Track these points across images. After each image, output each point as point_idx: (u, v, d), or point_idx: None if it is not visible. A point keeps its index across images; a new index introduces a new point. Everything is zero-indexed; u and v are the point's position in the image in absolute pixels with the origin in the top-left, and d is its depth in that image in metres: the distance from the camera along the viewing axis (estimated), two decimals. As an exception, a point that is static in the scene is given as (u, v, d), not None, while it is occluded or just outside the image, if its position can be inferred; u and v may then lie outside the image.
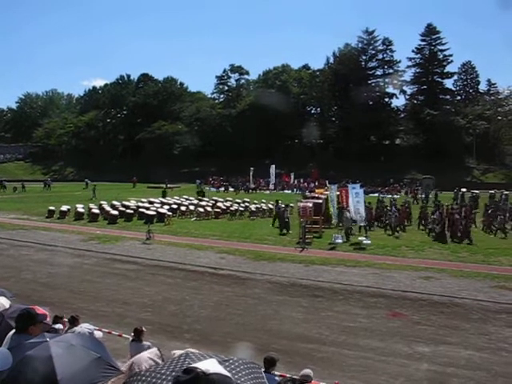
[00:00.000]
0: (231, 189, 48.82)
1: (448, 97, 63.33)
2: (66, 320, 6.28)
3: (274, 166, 48.64)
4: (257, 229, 23.21)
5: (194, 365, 2.54)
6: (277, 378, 5.59)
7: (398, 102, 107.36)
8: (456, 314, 11.00)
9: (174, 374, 2.78)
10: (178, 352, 3.50)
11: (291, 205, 27.56)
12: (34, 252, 18.37)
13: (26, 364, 3.21)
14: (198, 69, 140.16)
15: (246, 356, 6.94)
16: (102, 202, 29.17)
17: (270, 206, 29.19)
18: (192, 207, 28.69)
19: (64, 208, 27.25)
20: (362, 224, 20.63)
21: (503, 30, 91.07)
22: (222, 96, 75.62)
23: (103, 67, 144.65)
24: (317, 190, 31.70)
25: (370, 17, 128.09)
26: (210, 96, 77.64)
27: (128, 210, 26.64)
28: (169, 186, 50.35)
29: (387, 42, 62.63)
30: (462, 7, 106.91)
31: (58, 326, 5.75)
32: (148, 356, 5.30)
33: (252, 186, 49.58)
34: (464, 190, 35.36)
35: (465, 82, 64.26)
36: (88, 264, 16.40)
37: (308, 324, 10.43)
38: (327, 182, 40.18)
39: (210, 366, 2.49)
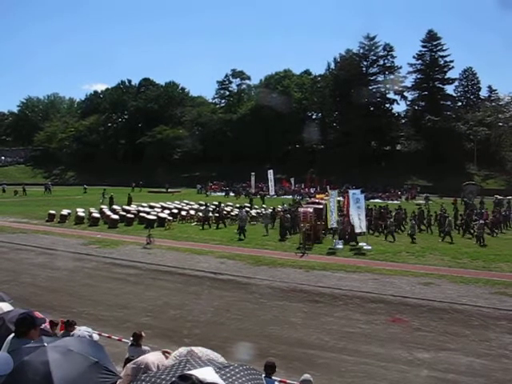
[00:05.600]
0: (232, 194, 48.77)
1: (449, 103, 63.36)
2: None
3: (271, 171, 47.32)
4: (257, 234, 23.19)
5: (190, 372, 2.56)
6: (277, 383, 5.58)
7: (399, 107, 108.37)
8: (456, 320, 10.96)
9: (174, 379, 2.79)
10: (181, 349, 3.51)
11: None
12: (34, 256, 18.38)
13: (23, 369, 3.17)
14: (199, 73, 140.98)
15: (245, 358, 6.94)
16: (102, 207, 29.31)
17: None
18: (192, 212, 28.70)
19: (64, 212, 27.30)
20: (361, 231, 20.49)
21: (505, 34, 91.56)
22: (223, 101, 75.84)
23: (104, 72, 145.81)
24: (317, 196, 31.67)
25: (372, 22, 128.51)
26: (211, 101, 78.03)
27: (128, 215, 26.70)
28: (169, 190, 50.49)
29: (388, 48, 62.81)
30: (463, 12, 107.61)
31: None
32: (152, 360, 5.24)
33: (252, 190, 49.41)
34: (499, 197, 35.52)
35: (466, 88, 64.38)
36: (88, 268, 16.39)
37: (308, 329, 10.40)
38: (328, 187, 40.10)
39: (206, 374, 2.51)
